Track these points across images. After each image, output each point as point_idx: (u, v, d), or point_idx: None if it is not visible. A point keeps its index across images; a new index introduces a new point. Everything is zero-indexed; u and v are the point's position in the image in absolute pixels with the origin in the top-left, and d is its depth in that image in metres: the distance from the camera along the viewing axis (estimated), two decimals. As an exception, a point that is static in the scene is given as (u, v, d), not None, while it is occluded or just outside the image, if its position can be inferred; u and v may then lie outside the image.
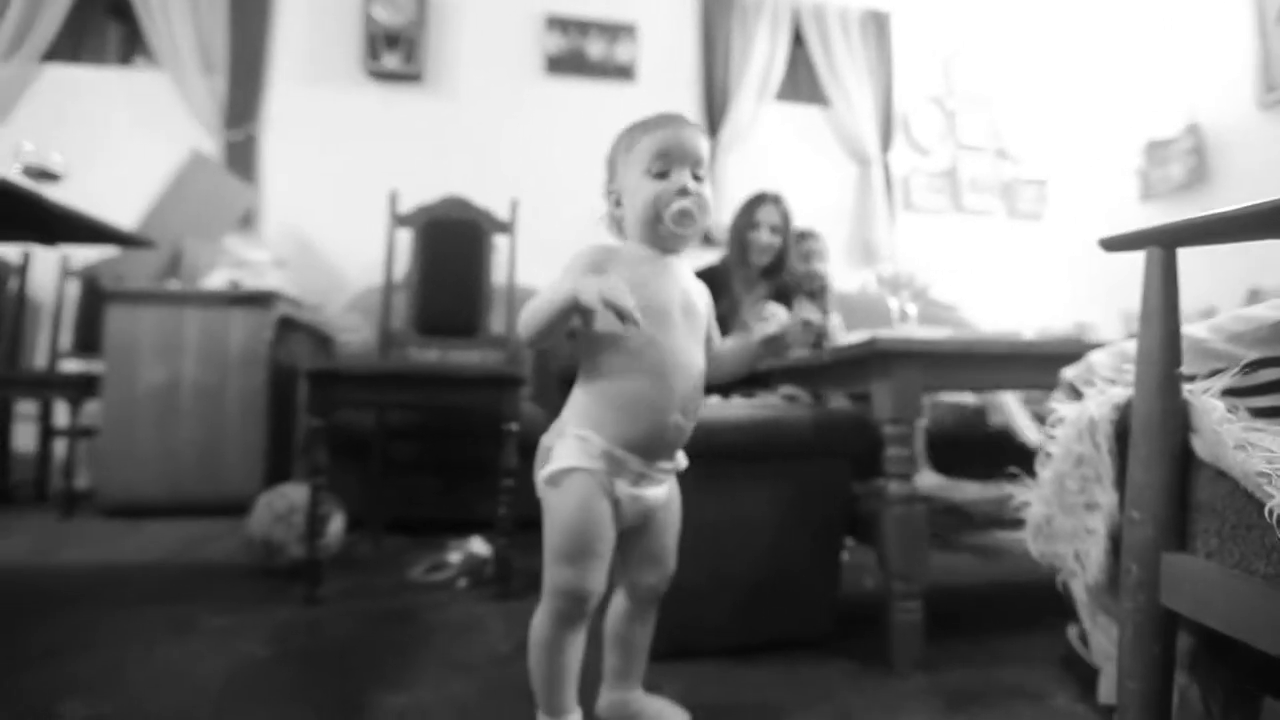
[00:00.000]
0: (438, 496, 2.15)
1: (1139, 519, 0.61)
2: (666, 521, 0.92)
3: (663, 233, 0.85)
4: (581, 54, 3.29)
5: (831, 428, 1.24)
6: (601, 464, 0.83)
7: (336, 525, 1.74)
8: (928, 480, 1.58)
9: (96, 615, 1.37)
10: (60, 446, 2.62)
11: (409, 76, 3.15)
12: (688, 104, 3.34)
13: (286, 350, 2.46)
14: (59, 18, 2.94)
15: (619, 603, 0.96)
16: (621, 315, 0.75)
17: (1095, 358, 0.81)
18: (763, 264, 2.06)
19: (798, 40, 3.48)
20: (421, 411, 2.11)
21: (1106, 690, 0.85)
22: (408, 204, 2.09)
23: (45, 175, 1.51)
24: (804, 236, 2.30)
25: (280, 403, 2.45)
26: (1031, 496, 0.76)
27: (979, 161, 3.62)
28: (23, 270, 2.76)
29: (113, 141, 2.91)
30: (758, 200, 2.07)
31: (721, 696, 1.06)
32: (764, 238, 2.03)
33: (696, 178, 0.86)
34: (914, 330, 1.31)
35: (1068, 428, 0.71)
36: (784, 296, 2.10)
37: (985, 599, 1.59)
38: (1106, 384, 0.73)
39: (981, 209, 3.58)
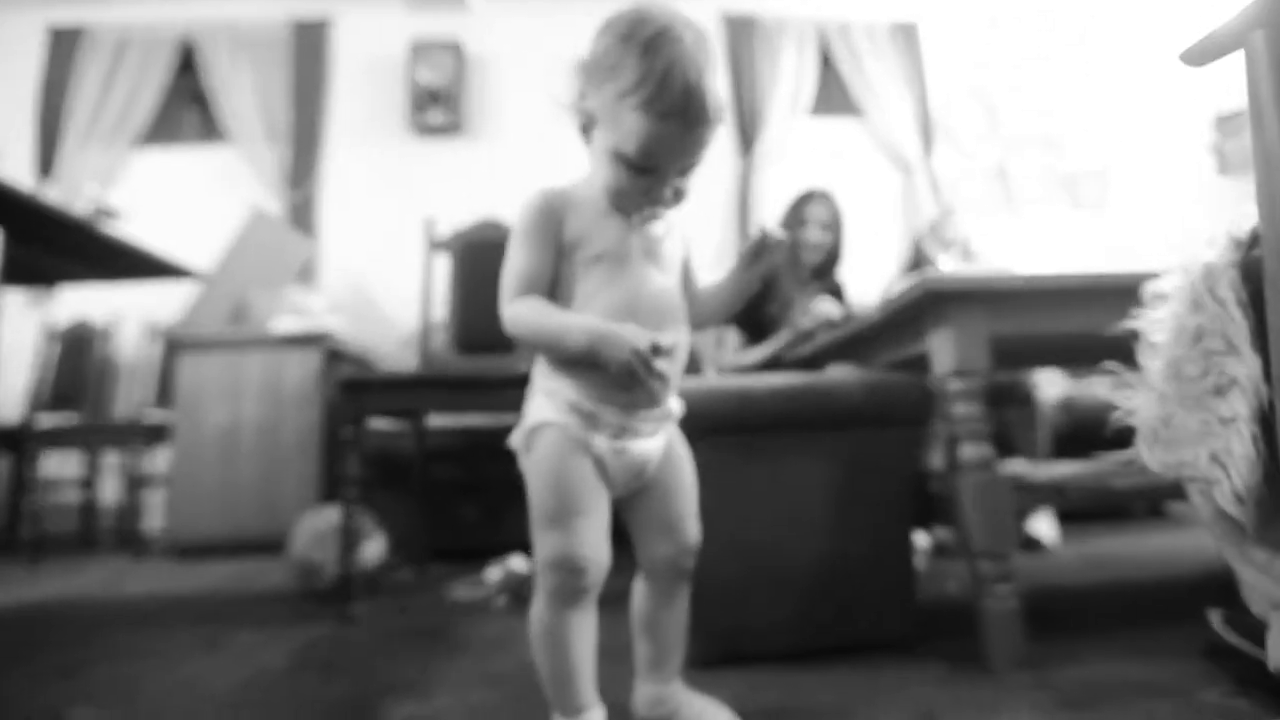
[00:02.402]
0: (480, 522, 2.08)
1: (1288, 380, 0.46)
2: (671, 481, 0.80)
3: (624, 213, 0.75)
4: (615, 90, 3.37)
5: (885, 391, 1.10)
6: (573, 417, 0.73)
7: (375, 545, 1.69)
8: (1014, 466, 1.38)
9: (131, 637, 1.34)
10: (137, 494, 2.72)
11: (451, 128, 3.30)
12: (720, 128, 3.33)
13: (336, 383, 2.50)
14: (150, 108, 3.28)
15: (640, 585, 0.84)
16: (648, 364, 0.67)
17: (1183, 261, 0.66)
18: (814, 263, 1.96)
19: (827, 58, 3.45)
20: (461, 434, 2.06)
21: (1278, 650, 0.65)
22: (445, 233, 2.13)
23: (106, 214, 1.60)
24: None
25: (333, 438, 2.48)
26: (1138, 399, 0.61)
27: (1030, 157, 3.42)
28: (109, 334, 2.98)
29: (191, 211, 3.15)
30: (806, 198, 1.98)
31: (779, 700, 0.90)
32: (814, 236, 1.93)
33: (685, 170, 0.73)
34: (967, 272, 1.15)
35: (1174, 299, 0.56)
36: (838, 295, 1.98)
37: (1091, 599, 1.34)
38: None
39: (1039, 203, 3.35)
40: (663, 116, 0.67)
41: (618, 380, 0.70)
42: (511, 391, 1.50)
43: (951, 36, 3.50)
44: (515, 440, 0.77)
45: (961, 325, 1.00)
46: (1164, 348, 0.58)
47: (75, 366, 2.93)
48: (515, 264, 0.75)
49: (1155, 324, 0.59)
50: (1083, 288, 1.00)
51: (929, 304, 1.03)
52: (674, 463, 0.81)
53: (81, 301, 2.96)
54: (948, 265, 1.41)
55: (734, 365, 1.92)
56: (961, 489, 1.00)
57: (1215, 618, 0.89)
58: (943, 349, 1.02)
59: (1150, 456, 0.59)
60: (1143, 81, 3.40)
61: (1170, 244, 0.66)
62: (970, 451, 1.00)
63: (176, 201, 3.15)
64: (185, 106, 3.50)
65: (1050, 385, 1.95)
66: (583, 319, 0.71)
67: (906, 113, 3.36)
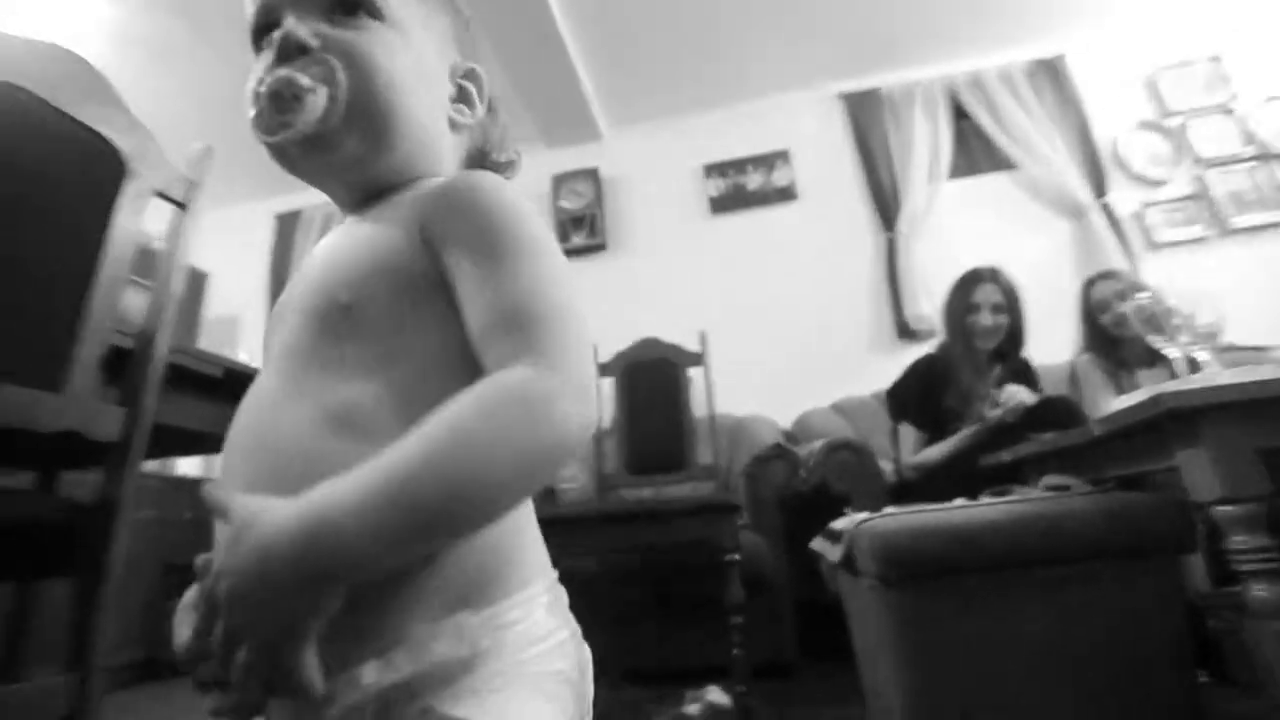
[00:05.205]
0: (666, 642, 2.07)
1: None
2: None
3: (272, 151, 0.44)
4: (742, 188, 3.49)
5: (1131, 517, 0.97)
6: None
7: (574, 676, 1.74)
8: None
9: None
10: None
11: (595, 248, 3.58)
12: (855, 206, 3.31)
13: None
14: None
15: None
16: None
17: None
18: (990, 348, 1.83)
19: (962, 114, 3.34)
20: (641, 551, 2.11)
21: None
22: (606, 356, 2.27)
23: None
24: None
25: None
26: None
27: (1236, 172, 2.99)
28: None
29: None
30: (972, 279, 1.88)
31: None
32: (986, 320, 1.81)
33: (333, 22, 0.43)
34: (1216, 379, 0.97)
35: None
36: (1024, 377, 1.82)
37: None
38: None
39: (1261, 223, 2.89)
40: None
41: None
42: (695, 519, 1.53)
43: (1107, 60, 3.24)
44: None
45: (1219, 443, 0.87)
46: None
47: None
48: None
49: None
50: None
51: (1169, 423, 0.91)
52: None
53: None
54: (1174, 355, 1.21)
55: (915, 465, 1.81)
56: (1259, 640, 0.84)
57: None
58: (1198, 471, 0.89)
59: None
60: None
61: None
62: (1261, 593, 0.84)
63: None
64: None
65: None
66: None
67: (1064, 154, 3.13)
